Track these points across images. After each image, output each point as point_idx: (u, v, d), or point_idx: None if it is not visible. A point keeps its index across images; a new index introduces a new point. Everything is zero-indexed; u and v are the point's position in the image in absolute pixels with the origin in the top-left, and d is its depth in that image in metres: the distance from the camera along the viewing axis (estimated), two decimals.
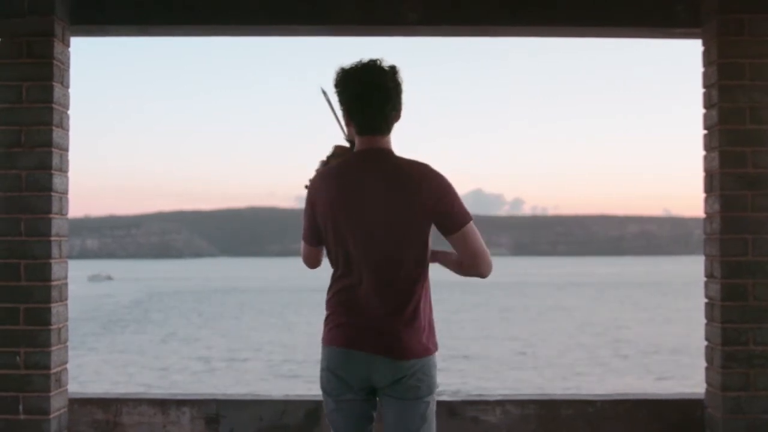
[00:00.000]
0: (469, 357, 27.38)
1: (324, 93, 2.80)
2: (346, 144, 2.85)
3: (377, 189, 2.64)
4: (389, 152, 2.71)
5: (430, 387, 2.70)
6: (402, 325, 2.63)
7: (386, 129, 2.71)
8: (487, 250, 2.69)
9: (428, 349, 2.68)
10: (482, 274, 2.71)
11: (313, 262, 2.88)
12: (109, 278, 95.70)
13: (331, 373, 2.71)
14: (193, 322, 42.05)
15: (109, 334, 35.47)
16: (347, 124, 2.77)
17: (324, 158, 2.90)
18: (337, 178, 2.71)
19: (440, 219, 2.64)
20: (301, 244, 2.87)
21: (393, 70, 2.68)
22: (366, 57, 2.69)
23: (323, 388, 2.76)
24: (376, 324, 2.64)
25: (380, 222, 2.62)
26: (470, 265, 2.68)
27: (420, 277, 2.67)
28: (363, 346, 2.64)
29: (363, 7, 4.19)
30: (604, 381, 23.02)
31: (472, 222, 2.67)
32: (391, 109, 2.69)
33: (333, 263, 2.75)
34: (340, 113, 2.79)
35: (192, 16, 4.22)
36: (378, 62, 2.67)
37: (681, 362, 26.23)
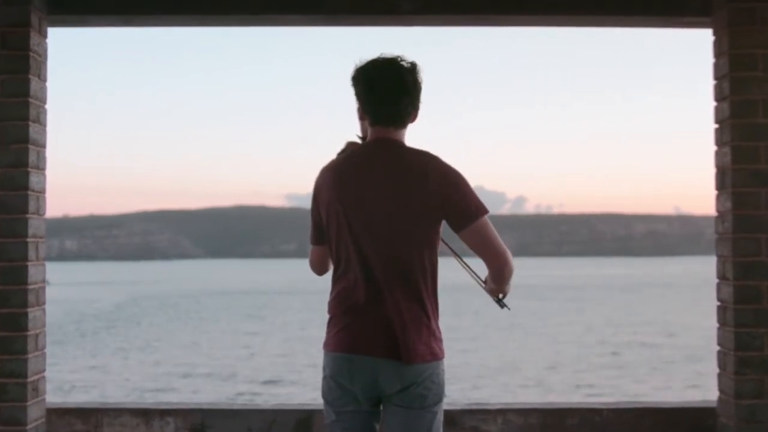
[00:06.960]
0: (468, 363, 27.39)
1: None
2: (358, 141, 2.83)
3: (380, 180, 2.62)
4: (397, 142, 2.70)
5: (439, 395, 2.66)
6: (409, 327, 2.59)
7: (399, 121, 2.69)
8: (505, 249, 2.63)
9: (436, 353, 2.64)
10: (500, 275, 2.67)
11: (318, 266, 2.85)
12: (47, 282, 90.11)
13: (333, 381, 2.67)
14: (127, 334, 38.49)
15: None
16: (361, 118, 2.76)
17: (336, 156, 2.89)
18: (340, 169, 2.70)
19: (449, 214, 2.62)
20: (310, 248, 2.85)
21: (413, 65, 2.67)
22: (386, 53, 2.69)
23: (324, 396, 2.72)
24: (381, 326, 2.59)
25: (383, 215, 2.60)
26: (489, 265, 2.65)
27: (427, 276, 2.63)
28: (367, 350, 2.60)
29: None
30: (611, 389, 23.05)
31: (485, 217, 2.61)
32: (407, 103, 2.67)
33: (334, 262, 2.71)
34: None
35: (180, 6, 4.22)
36: (398, 58, 2.66)
37: (694, 369, 26.27)
